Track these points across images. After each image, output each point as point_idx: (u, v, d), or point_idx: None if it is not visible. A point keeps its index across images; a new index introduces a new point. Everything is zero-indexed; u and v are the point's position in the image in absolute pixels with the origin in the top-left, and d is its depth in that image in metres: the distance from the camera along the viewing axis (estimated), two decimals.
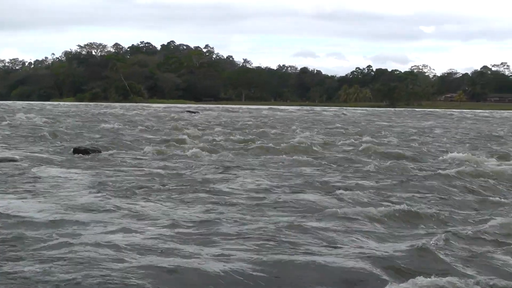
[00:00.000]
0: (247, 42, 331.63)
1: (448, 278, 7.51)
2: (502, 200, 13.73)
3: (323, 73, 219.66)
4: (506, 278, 7.85)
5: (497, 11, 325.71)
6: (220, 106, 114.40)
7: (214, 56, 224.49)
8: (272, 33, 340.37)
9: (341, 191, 13.80)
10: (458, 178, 16.39)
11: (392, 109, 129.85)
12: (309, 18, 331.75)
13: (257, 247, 9.06)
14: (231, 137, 30.53)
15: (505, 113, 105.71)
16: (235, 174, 16.80)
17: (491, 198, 14.07)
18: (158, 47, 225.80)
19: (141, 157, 21.20)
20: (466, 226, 10.75)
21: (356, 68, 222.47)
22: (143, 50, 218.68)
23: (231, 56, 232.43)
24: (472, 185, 15.62)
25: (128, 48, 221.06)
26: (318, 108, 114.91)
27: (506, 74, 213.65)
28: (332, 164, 20.02)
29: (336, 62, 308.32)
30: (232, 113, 76.97)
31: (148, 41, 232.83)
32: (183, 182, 15.20)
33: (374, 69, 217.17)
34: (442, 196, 14.07)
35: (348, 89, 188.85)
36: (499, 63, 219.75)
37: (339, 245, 9.34)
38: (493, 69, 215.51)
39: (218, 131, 36.98)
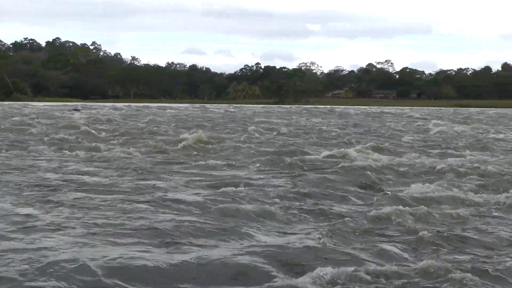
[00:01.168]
0: (134, 39, 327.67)
1: (337, 269, 7.63)
2: (384, 190, 14.21)
3: (212, 70, 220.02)
4: (393, 265, 8.15)
5: (382, 10, 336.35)
6: (108, 104, 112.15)
7: (101, 53, 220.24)
8: (160, 30, 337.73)
9: (231, 188, 13.80)
10: (340, 172, 16.77)
11: (286, 106, 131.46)
12: (198, 15, 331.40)
13: (146, 245, 8.94)
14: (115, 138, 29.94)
15: (386, 109, 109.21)
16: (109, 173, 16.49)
17: (372, 190, 14.59)
18: (43, 44, 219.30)
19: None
20: (350, 218, 10.99)
21: (245, 65, 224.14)
22: (26, 47, 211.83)
23: (119, 54, 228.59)
24: (356, 178, 16.01)
25: (11, 44, 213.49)
26: (207, 105, 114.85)
27: (390, 71, 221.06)
28: (213, 160, 19.90)
29: (225, 60, 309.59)
30: (118, 110, 75.68)
31: (33, 38, 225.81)
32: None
33: (262, 67, 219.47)
34: (326, 191, 14.34)
35: (237, 87, 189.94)
36: (384, 60, 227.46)
37: (228, 241, 9.32)
38: (378, 66, 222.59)
39: (103, 129, 36.18)
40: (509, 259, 8.72)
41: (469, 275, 7.62)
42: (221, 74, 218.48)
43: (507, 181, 16.15)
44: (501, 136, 35.01)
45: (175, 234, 9.55)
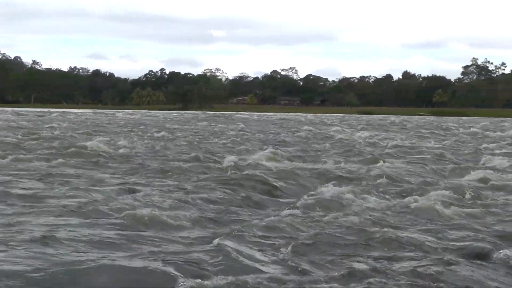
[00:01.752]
0: (36, 42, 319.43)
1: (237, 277, 7.50)
2: (284, 197, 14.19)
3: (115, 75, 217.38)
4: (296, 274, 8.09)
5: (287, 17, 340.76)
6: (8, 109, 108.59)
7: (0, 56, 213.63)
8: (62, 33, 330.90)
9: (127, 194, 13.50)
10: (241, 178, 16.70)
11: (191, 112, 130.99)
12: (101, 20, 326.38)
13: (40, 250, 8.59)
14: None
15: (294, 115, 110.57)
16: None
17: (271, 196, 14.60)
18: None
19: None
20: (252, 223, 10.91)
21: (149, 71, 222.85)
22: None
23: (19, 57, 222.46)
24: (255, 184, 15.97)
25: None
26: (110, 111, 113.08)
27: (295, 78, 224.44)
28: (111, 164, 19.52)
29: (128, 65, 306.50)
30: (19, 116, 73.43)
31: None
32: None
33: (167, 72, 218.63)
34: (227, 197, 14.23)
35: (141, 92, 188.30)
36: (288, 67, 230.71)
37: (131, 248, 9.13)
38: (283, 73, 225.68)
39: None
40: (405, 264, 8.76)
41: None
42: (125, 79, 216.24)
43: (409, 187, 16.46)
44: (399, 142, 35.83)
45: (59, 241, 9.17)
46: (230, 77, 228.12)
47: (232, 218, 11.82)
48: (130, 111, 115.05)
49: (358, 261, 8.82)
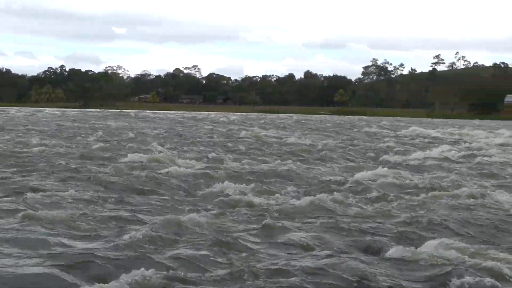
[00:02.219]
0: None
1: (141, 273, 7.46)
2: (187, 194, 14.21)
3: (13, 72, 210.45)
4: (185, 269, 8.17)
5: (190, 15, 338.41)
6: None
7: None
8: None
9: (32, 194, 13.22)
10: (143, 177, 16.64)
11: (92, 110, 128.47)
12: None
13: None
14: None
15: (193, 113, 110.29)
16: None
17: (174, 194, 14.57)
18: None
19: None
20: (150, 224, 10.85)
21: (49, 67, 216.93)
22: None
23: None
24: (159, 183, 15.94)
25: None
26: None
27: (197, 76, 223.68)
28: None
29: (27, 62, 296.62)
30: None
31: None
32: None
33: (67, 69, 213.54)
34: (128, 196, 14.14)
35: (40, 89, 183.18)
36: (191, 66, 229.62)
37: (28, 249, 8.99)
38: (185, 71, 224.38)
39: None
40: (300, 259, 8.95)
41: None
42: (23, 76, 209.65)
43: (307, 183, 16.79)
44: (301, 141, 36.42)
45: None
46: (132, 75, 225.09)
47: (132, 217, 11.72)
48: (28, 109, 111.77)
49: (259, 260, 8.95)
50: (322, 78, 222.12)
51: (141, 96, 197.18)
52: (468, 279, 8.07)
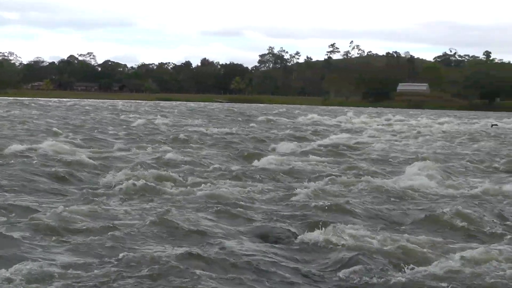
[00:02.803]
0: None
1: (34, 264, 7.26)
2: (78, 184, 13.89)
3: None
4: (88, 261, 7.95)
5: (84, 1, 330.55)
6: None
7: None
8: None
9: None
10: (33, 164, 16.23)
11: None
12: None
13: None
14: None
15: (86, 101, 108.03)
16: None
17: (66, 184, 14.27)
18: None
19: None
20: (44, 214, 10.52)
21: None
22: None
23: None
24: (50, 171, 15.52)
25: None
26: None
27: (92, 63, 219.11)
28: None
29: None
30: None
31: None
32: None
33: None
34: (18, 184, 13.67)
35: None
36: (86, 52, 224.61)
37: None
38: (80, 58, 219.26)
39: None
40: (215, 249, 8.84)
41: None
42: None
43: (202, 171, 16.68)
44: (196, 128, 36.26)
45: None
46: (25, 62, 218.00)
47: (25, 205, 11.31)
48: None
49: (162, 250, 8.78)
50: (219, 66, 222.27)
51: (34, 84, 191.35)
52: (367, 263, 8.18)
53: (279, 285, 7.64)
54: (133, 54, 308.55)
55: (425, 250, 9.17)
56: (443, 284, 7.67)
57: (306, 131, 38.05)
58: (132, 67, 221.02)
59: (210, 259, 8.20)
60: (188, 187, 14.07)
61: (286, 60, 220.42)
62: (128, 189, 13.31)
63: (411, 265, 8.37)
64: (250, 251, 8.75)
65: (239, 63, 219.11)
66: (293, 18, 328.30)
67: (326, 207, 12.08)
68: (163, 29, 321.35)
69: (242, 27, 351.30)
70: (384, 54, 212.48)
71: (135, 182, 13.77)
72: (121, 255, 8.20)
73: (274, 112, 72.17)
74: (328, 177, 16.15)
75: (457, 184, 16.26)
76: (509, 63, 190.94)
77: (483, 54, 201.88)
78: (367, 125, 48.45)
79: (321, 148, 25.09)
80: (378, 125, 48.90)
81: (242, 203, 12.55)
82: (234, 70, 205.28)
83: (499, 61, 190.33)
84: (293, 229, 10.38)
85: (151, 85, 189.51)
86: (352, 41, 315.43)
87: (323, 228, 10.17)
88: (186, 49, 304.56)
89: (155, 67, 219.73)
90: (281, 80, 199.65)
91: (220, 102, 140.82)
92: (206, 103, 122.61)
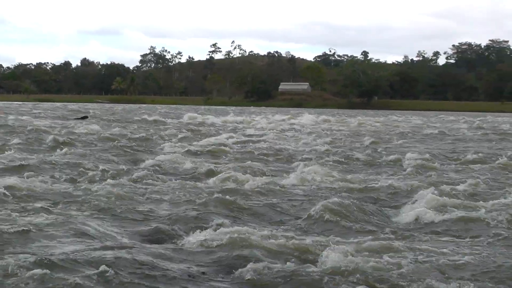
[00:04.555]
0: None
1: None
2: None
3: None
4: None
5: None
6: None
7: None
8: None
9: None
10: None
11: None
12: None
13: None
14: None
15: None
16: None
17: None
18: None
19: None
20: None
21: None
22: None
23: None
24: None
25: None
26: None
27: None
28: None
29: None
30: None
31: None
32: None
33: None
34: None
35: None
36: None
37: None
38: None
39: None
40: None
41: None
42: None
43: (80, 171, 16.33)
44: (74, 130, 35.46)
45: None
46: None
47: None
48: None
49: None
50: (100, 66, 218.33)
51: None
52: (258, 264, 8.24)
53: (164, 286, 7.54)
54: (9, 54, 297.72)
55: (308, 246, 9.30)
56: (325, 279, 7.82)
57: (189, 130, 37.95)
58: (8, 67, 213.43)
59: (94, 262, 8.01)
60: (70, 188, 13.71)
61: (168, 60, 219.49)
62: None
63: (295, 261, 8.54)
64: (134, 253, 8.61)
65: (120, 63, 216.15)
66: (174, 18, 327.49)
67: (212, 206, 12.08)
68: (39, 28, 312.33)
69: (121, 26, 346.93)
70: (266, 54, 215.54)
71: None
72: None
73: (157, 112, 71.54)
74: (215, 176, 16.19)
75: (336, 179, 16.67)
76: (385, 63, 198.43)
77: (361, 54, 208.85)
78: (250, 125, 48.92)
79: (205, 147, 25.08)
80: (262, 124, 49.43)
81: (126, 203, 12.35)
82: (115, 70, 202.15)
83: (376, 61, 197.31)
84: (178, 230, 10.31)
85: (29, 86, 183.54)
86: (233, 41, 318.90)
87: (208, 227, 10.17)
88: (65, 49, 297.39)
89: (33, 67, 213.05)
90: (163, 80, 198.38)
91: (101, 102, 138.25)
92: (87, 103, 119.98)
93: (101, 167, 17.43)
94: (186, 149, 24.35)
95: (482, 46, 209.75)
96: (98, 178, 15.61)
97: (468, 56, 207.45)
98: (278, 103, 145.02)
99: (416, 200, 12.92)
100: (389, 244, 9.35)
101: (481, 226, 11.06)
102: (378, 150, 26.45)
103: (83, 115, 56.49)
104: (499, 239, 10.13)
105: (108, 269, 7.64)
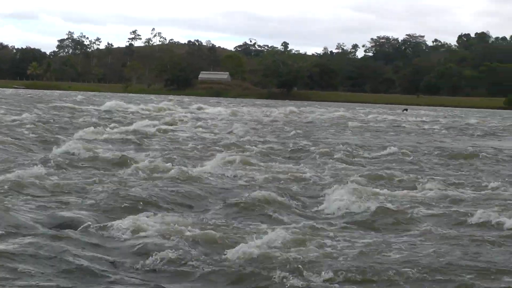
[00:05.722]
0: None
1: None
2: None
3: None
4: None
5: None
6: None
7: None
8: None
9: None
10: None
11: None
12: None
13: None
14: None
15: None
16: None
17: None
18: None
19: None
20: None
21: None
22: None
23: None
24: None
25: None
26: None
27: None
28: None
29: None
30: None
31: None
32: None
33: None
34: None
35: None
36: None
37: None
38: None
39: None
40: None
41: None
42: None
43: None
44: None
45: None
46: None
47: None
48: None
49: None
50: (15, 50, 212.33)
51: None
52: (173, 252, 8.09)
53: (79, 274, 7.28)
54: None
55: (228, 234, 9.23)
56: (239, 268, 7.79)
57: (108, 118, 37.25)
58: None
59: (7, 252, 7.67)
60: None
61: (87, 46, 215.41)
62: None
63: (214, 250, 8.46)
64: (48, 240, 8.30)
65: (36, 47, 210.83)
66: (93, 3, 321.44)
67: (129, 195, 11.79)
68: None
69: (37, 10, 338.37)
70: (186, 42, 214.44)
71: None
72: None
73: (73, 99, 70.08)
74: (134, 165, 15.83)
75: (257, 168, 16.63)
76: (305, 54, 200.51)
77: (281, 45, 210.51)
78: (169, 112, 48.47)
79: (123, 135, 24.61)
80: (182, 113, 49.05)
81: (42, 190, 11.93)
82: (30, 54, 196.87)
83: (296, 52, 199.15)
84: (91, 218, 9.99)
85: None
86: (153, 28, 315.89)
87: (123, 216, 9.92)
88: None
89: None
90: (81, 66, 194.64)
91: (17, 88, 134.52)
92: (5, 89, 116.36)
93: (5, 156, 16.81)
94: (104, 136, 23.82)
95: (400, 40, 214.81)
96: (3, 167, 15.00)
97: (386, 50, 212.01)
98: (198, 92, 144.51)
99: (336, 190, 12.95)
100: (307, 233, 9.39)
101: (399, 216, 11.17)
102: (299, 141, 26.58)
103: None
104: (420, 230, 10.26)
105: (15, 258, 7.35)
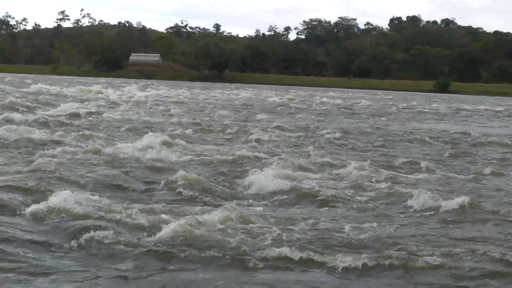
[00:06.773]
0: None
1: None
2: None
3: None
4: None
5: None
6: None
7: None
8: None
9: None
10: None
11: None
12: None
13: None
14: None
15: None
16: None
17: None
18: None
19: None
20: None
21: None
22: None
23: None
24: None
25: None
26: None
27: None
28: None
29: None
30: None
31: None
32: None
33: None
34: None
35: None
36: None
37: None
38: None
39: None
40: None
41: None
42: None
43: None
44: None
45: None
46: None
47: None
48: None
49: None
50: None
51: None
52: (100, 233, 8.19)
53: (13, 257, 7.36)
54: None
55: (161, 215, 9.35)
56: (165, 248, 7.97)
57: (35, 101, 36.60)
58: None
59: None
60: None
61: (13, 27, 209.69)
62: None
63: (149, 231, 8.61)
64: None
65: None
66: None
67: (58, 177, 11.78)
68: None
69: None
70: (116, 23, 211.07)
71: None
72: None
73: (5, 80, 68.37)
74: (61, 147, 15.74)
75: (186, 150, 16.78)
76: (237, 36, 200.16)
77: (213, 27, 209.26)
78: (98, 95, 47.86)
79: (51, 118, 24.32)
80: (113, 95, 48.49)
81: None
82: None
83: (228, 34, 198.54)
84: (19, 199, 9.99)
85: None
86: (82, 9, 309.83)
87: (52, 197, 9.92)
88: None
89: None
90: (7, 47, 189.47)
91: None
92: None
93: None
94: (33, 118, 23.52)
95: (332, 23, 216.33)
96: None
97: (318, 32, 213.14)
98: (128, 74, 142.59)
99: (262, 170, 13.22)
100: (233, 213, 9.57)
101: (324, 193, 11.55)
102: (227, 123, 26.81)
103: None
104: (346, 207, 10.70)
105: None
